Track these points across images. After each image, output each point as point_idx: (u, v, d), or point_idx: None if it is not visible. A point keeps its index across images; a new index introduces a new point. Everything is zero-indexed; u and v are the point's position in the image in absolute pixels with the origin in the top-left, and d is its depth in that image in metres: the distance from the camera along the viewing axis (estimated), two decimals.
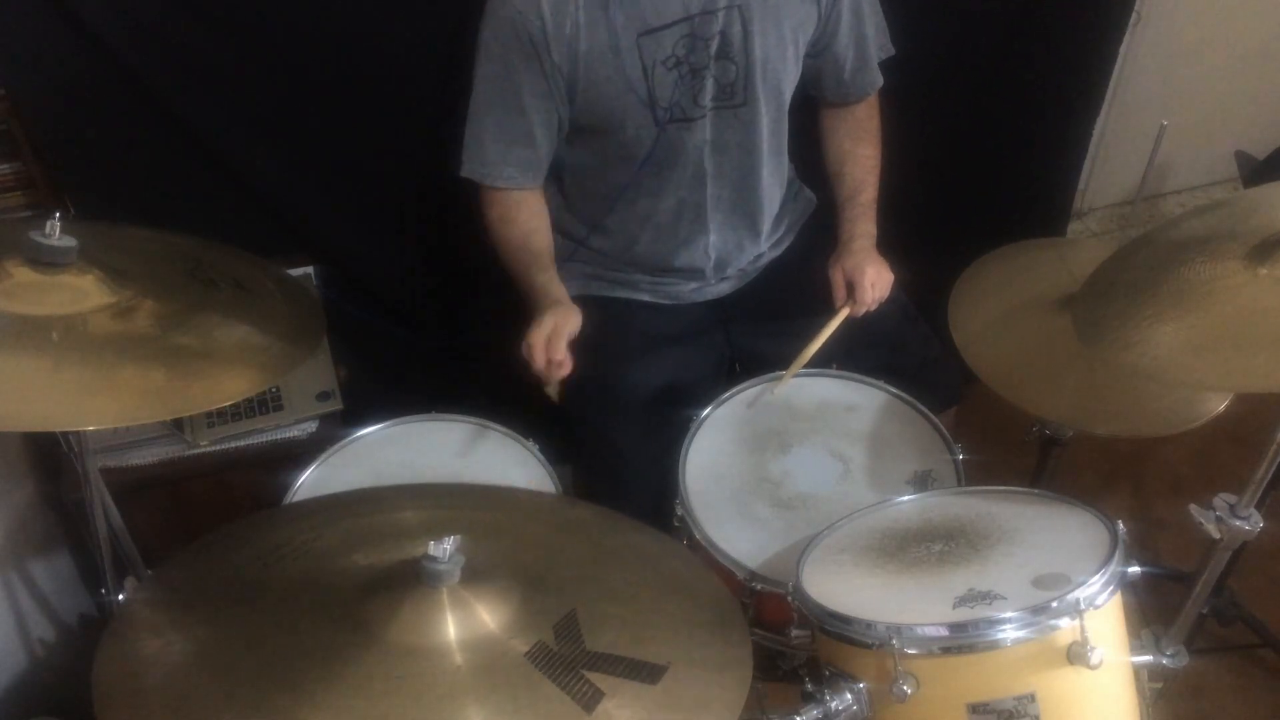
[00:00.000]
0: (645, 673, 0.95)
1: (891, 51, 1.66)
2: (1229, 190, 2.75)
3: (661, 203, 1.59)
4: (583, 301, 1.66)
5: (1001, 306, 1.61)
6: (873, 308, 1.54)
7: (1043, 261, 1.65)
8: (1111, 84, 2.21)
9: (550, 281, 1.52)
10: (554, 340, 1.40)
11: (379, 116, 1.72)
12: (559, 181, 1.65)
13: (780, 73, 1.53)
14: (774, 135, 1.60)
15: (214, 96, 1.62)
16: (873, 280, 1.53)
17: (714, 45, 1.46)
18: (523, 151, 1.53)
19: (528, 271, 1.53)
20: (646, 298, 1.68)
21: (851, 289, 1.54)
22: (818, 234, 1.70)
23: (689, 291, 1.68)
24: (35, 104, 1.55)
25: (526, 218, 1.57)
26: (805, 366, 1.51)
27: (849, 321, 1.54)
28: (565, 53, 1.44)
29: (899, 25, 1.65)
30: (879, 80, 1.66)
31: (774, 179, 1.64)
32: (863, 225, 1.61)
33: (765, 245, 1.70)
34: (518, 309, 1.50)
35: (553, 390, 1.54)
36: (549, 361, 1.40)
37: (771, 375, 1.52)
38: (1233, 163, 2.41)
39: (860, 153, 1.68)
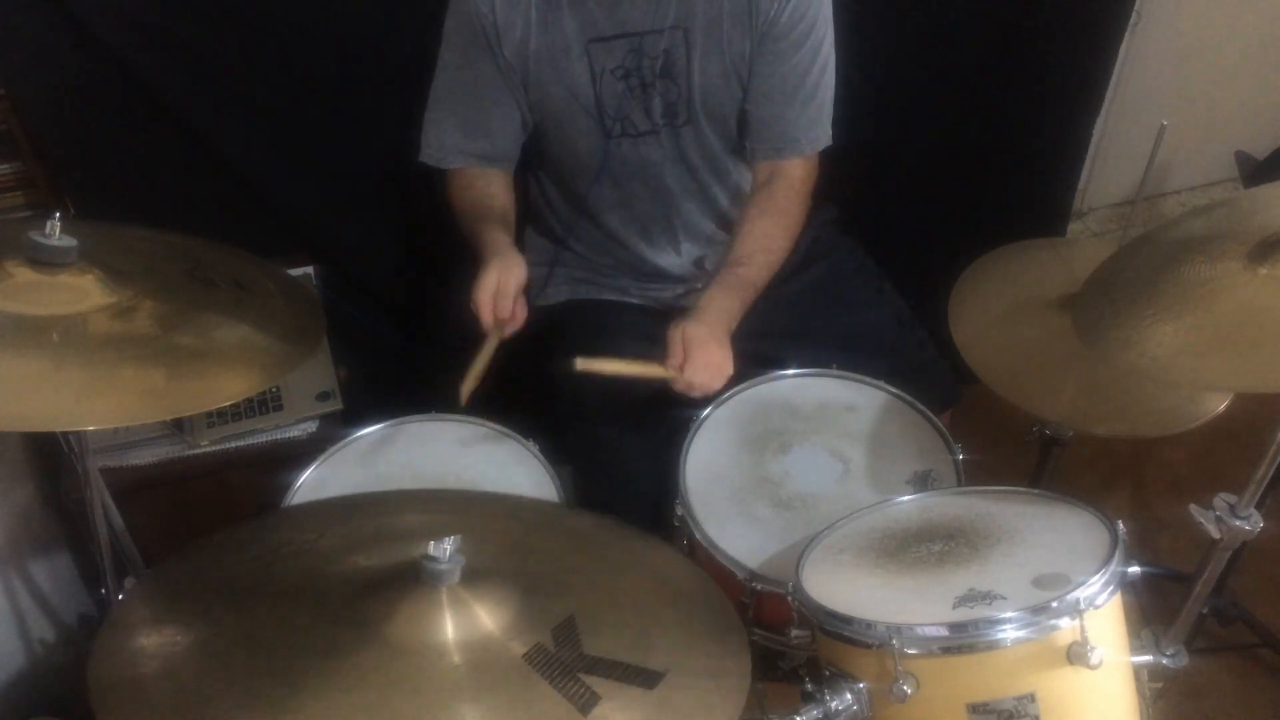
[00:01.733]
0: (642, 678, 0.95)
1: (826, 143, 1.56)
2: (1229, 190, 2.75)
3: (630, 214, 1.60)
4: (574, 306, 1.67)
5: (1001, 306, 1.61)
6: (695, 393, 1.37)
7: (1043, 261, 1.65)
8: (1111, 84, 2.21)
9: (497, 235, 1.48)
10: (500, 297, 1.39)
11: (379, 116, 1.72)
12: (540, 184, 1.66)
13: (723, 99, 1.51)
14: (733, 151, 1.59)
15: (214, 96, 1.62)
16: (707, 362, 1.35)
17: (659, 64, 1.47)
18: (481, 143, 1.54)
19: (478, 224, 1.51)
20: (636, 301, 1.68)
21: (684, 359, 1.35)
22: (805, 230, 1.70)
23: (677, 296, 1.68)
24: (35, 104, 1.55)
25: (484, 184, 1.57)
26: (803, 368, 1.51)
27: (844, 325, 1.53)
28: (516, 50, 1.45)
29: (900, 26, 1.65)
30: (795, 149, 1.54)
31: (746, 186, 1.64)
32: (725, 300, 1.43)
33: None
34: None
35: (494, 336, 1.42)
36: (497, 319, 1.39)
37: (768, 374, 1.52)
38: (1233, 163, 2.41)
39: (761, 228, 1.51)
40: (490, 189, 1.56)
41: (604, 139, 1.50)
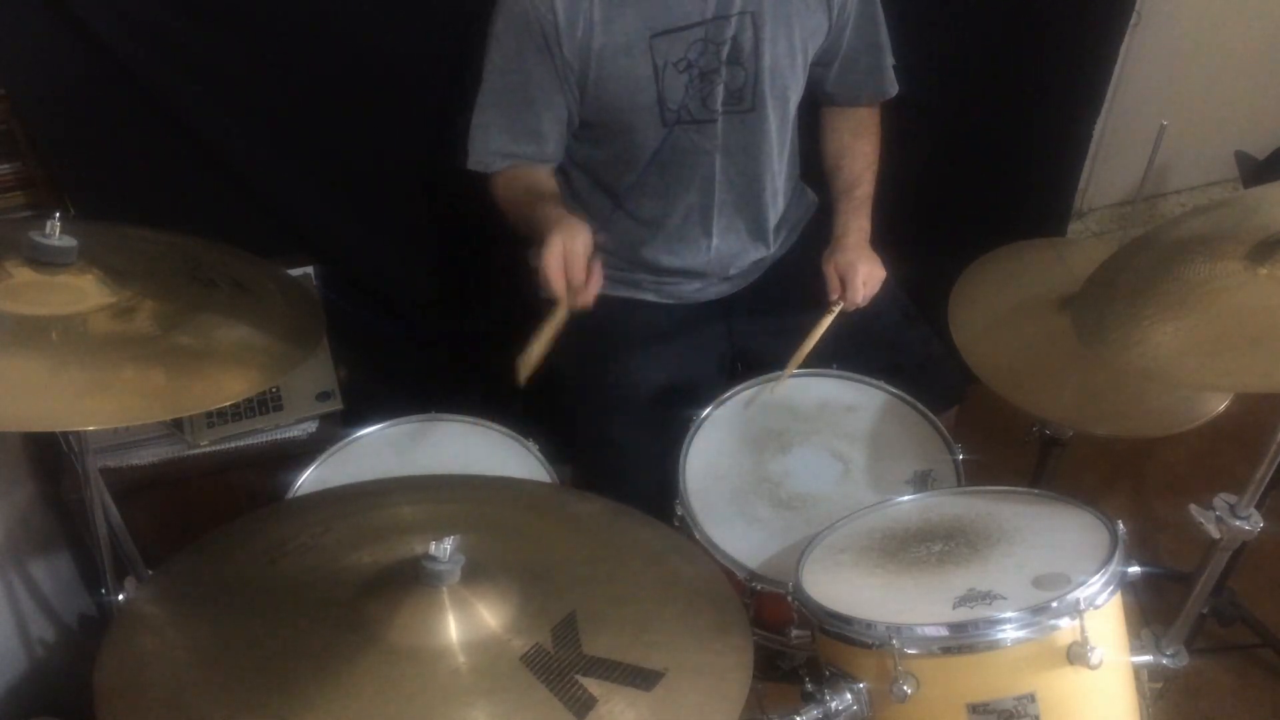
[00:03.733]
0: (640, 679, 0.94)
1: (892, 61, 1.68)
2: (1229, 190, 2.75)
3: (668, 205, 1.59)
4: None
5: (1001, 306, 1.60)
6: (863, 304, 1.54)
7: (1043, 261, 1.65)
8: (1111, 84, 2.21)
9: (553, 209, 1.45)
10: (571, 261, 1.33)
11: (379, 116, 1.72)
12: (567, 178, 1.65)
13: (788, 80, 1.54)
14: (780, 140, 1.60)
15: (214, 96, 1.62)
16: (864, 278, 1.53)
17: (725, 50, 1.47)
18: (528, 146, 1.53)
19: (530, 207, 1.47)
20: (649, 297, 1.68)
21: (844, 285, 1.54)
22: (819, 233, 1.70)
23: (691, 291, 1.68)
24: (35, 104, 1.55)
25: (530, 172, 1.55)
26: (803, 365, 1.51)
27: (848, 321, 1.54)
28: (577, 49, 1.44)
29: (900, 25, 1.65)
30: (893, 88, 1.68)
31: (781, 183, 1.65)
32: (857, 220, 1.61)
33: (770, 248, 1.70)
34: (518, 308, 1.50)
35: (564, 307, 1.36)
36: (570, 285, 1.33)
37: (770, 375, 1.52)
38: (1233, 163, 2.41)
39: (859, 148, 1.68)
40: (538, 175, 1.56)
41: (662, 128, 1.51)
